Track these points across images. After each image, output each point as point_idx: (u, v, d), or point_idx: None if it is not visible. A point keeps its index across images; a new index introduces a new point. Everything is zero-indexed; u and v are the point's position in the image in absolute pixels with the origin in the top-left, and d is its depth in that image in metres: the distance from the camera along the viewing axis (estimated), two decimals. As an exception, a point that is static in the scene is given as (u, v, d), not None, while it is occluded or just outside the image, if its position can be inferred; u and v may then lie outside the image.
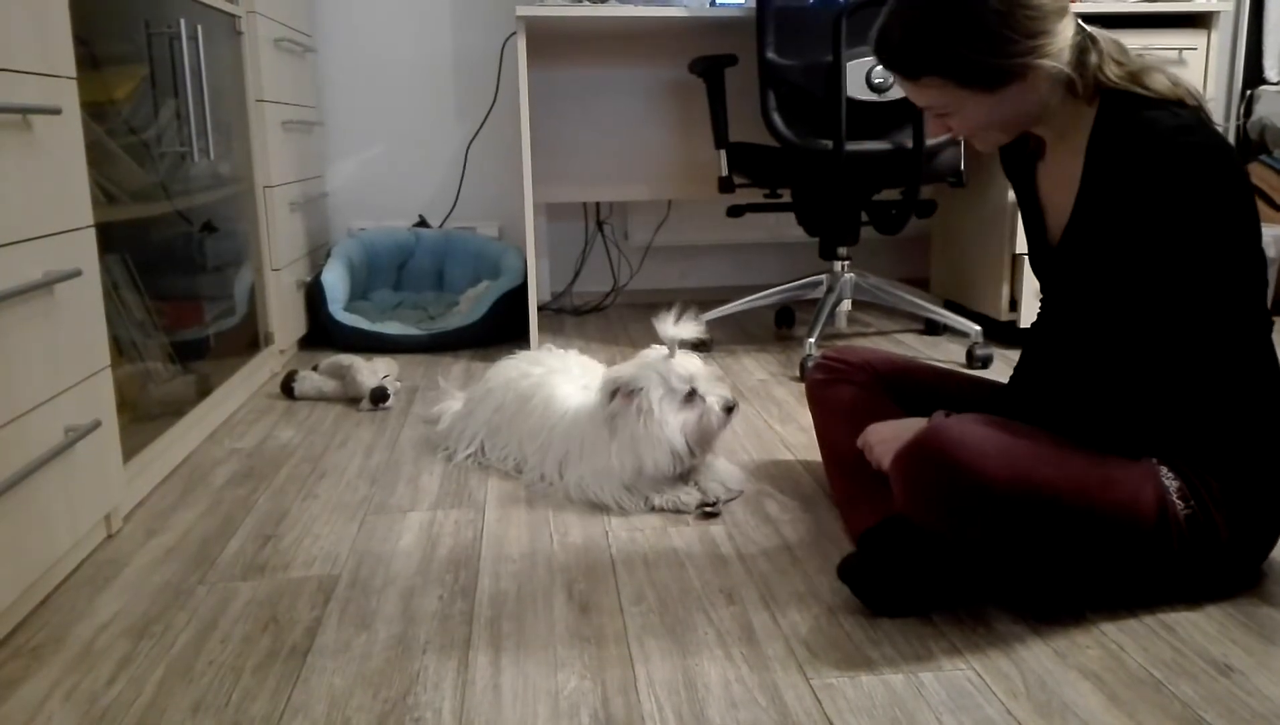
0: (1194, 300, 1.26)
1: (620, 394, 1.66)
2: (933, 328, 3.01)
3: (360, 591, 1.39)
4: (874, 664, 1.19)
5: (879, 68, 2.38)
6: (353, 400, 2.32)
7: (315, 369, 2.40)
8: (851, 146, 2.42)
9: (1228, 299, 1.27)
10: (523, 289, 2.86)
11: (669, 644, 1.24)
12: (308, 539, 1.57)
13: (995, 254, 2.81)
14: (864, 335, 3.00)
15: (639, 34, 3.12)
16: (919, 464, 1.27)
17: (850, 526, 1.55)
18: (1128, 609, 1.30)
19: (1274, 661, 1.18)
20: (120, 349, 1.65)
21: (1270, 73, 3.47)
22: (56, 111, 1.38)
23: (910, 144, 2.44)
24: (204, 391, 2.04)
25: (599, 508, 1.68)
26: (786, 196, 2.81)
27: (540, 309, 3.35)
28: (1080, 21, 1.30)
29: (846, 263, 2.75)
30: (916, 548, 1.31)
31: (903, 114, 2.43)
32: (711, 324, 2.86)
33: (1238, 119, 3.46)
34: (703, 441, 1.67)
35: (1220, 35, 2.76)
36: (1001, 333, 2.80)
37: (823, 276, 2.78)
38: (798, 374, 2.52)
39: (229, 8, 2.27)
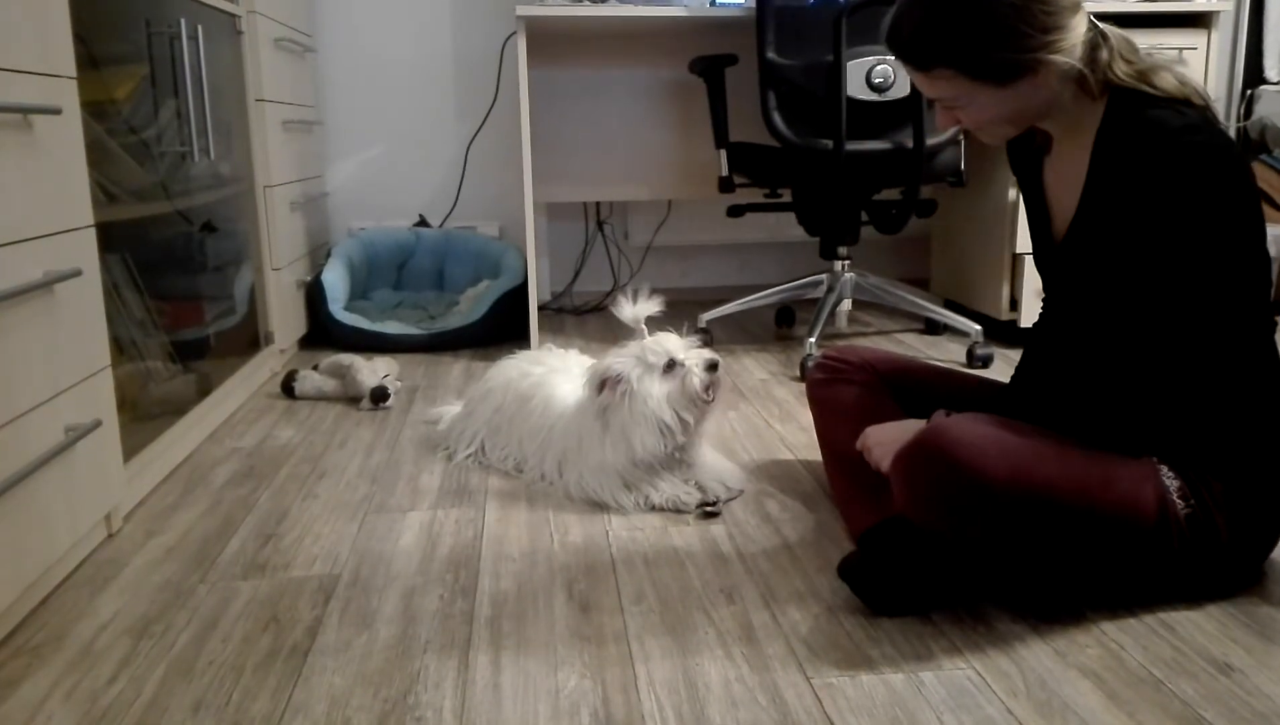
0: (1197, 300, 1.26)
1: (607, 385, 1.66)
2: (933, 327, 3.01)
3: (361, 591, 1.39)
4: (874, 663, 1.19)
5: (879, 67, 2.39)
6: (353, 400, 2.32)
7: (315, 368, 2.40)
8: (852, 146, 2.42)
9: (1231, 299, 1.27)
10: (523, 289, 2.86)
11: (669, 643, 1.24)
12: (308, 538, 1.57)
13: (995, 253, 2.81)
14: (864, 335, 3.00)
15: (639, 34, 3.12)
16: (919, 463, 1.27)
17: (850, 526, 1.55)
18: (1128, 608, 1.30)
19: (1274, 661, 1.18)
20: (120, 348, 1.65)
21: (1270, 72, 3.47)
22: (57, 111, 1.38)
23: (910, 144, 2.44)
24: (204, 391, 2.04)
25: (599, 507, 1.68)
26: (787, 196, 2.82)
27: (540, 309, 3.35)
28: (1092, 17, 1.30)
29: (847, 262, 2.75)
30: (917, 547, 1.31)
31: (903, 114, 2.43)
32: (712, 323, 2.87)
33: (1238, 118, 3.46)
34: (690, 406, 1.65)
35: (1220, 35, 2.76)
36: (1002, 332, 2.80)
37: (823, 276, 2.78)
38: (798, 374, 2.52)
39: (229, 7, 2.27)
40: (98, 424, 1.46)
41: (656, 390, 1.64)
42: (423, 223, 3.32)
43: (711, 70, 2.61)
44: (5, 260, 1.25)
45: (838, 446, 1.63)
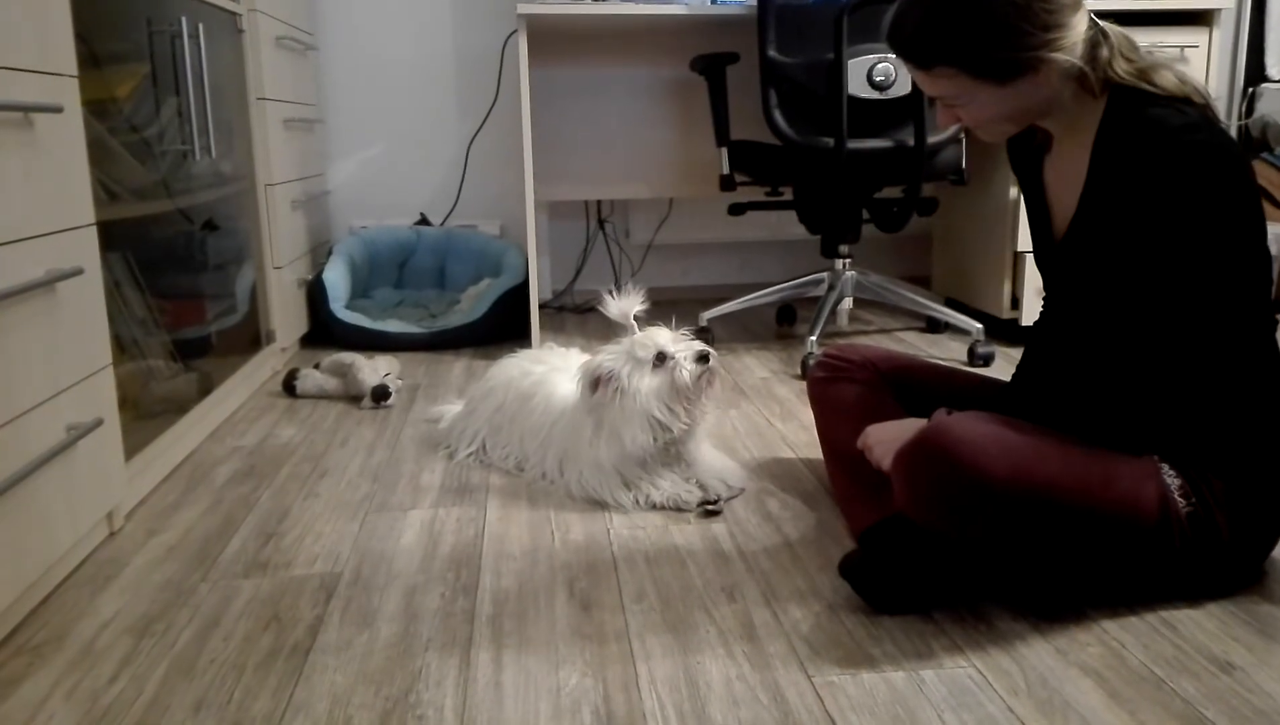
0: (1197, 298, 1.26)
1: (600, 384, 1.66)
2: (934, 326, 3.01)
3: (362, 589, 1.40)
4: (875, 661, 1.19)
5: (881, 65, 2.39)
6: (354, 398, 2.32)
7: (317, 367, 2.40)
8: (853, 144, 2.41)
9: (1231, 297, 1.27)
10: (524, 287, 2.86)
11: (670, 641, 1.24)
12: (309, 537, 1.57)
13: (997, 252, 2.81)
14: (865, 333, 3.00)
15: (640, 32, 3.12)
16: (920, 462, 1.26)
17: (852, 524, 1.55)
18: (1129, 607, 1.30)
19: (1275, 659, 1.18)
20: (122, 347, 1.65)
21: (1272, 70, 3.46)
22: (58, 110, 1.38)
23: (911, 142, 2.44)
24: (205, 389, 2.04)
25: (600, 505, 1.68)
26: (788, 194, 2.81)
27: (541, 307, 3.34)
28: (1092, 16, 1.30)
29: (848, 261, 2.74)
30: (918, 546, 1.31)
31: (904, 112, 2.43)
32: (713, 322, 2.87)
33: (1239, 116, 3.46)
34: (681, 398, 1.64)
35: (1222, 32, 2.75)
36: (1003, 330, 2.80)
37: (824, 274, 2.78)
38: (799, 372, 2.52)
39: (230, 6, 2.27)
40: (99, 423, 1.46)
41: (645, 385, 1.64)
42: (424, 221, 3.32)
43: (712, 68, 2.60)
44: (6, 259, 1.26)
45: (839, 445, 1.63)
